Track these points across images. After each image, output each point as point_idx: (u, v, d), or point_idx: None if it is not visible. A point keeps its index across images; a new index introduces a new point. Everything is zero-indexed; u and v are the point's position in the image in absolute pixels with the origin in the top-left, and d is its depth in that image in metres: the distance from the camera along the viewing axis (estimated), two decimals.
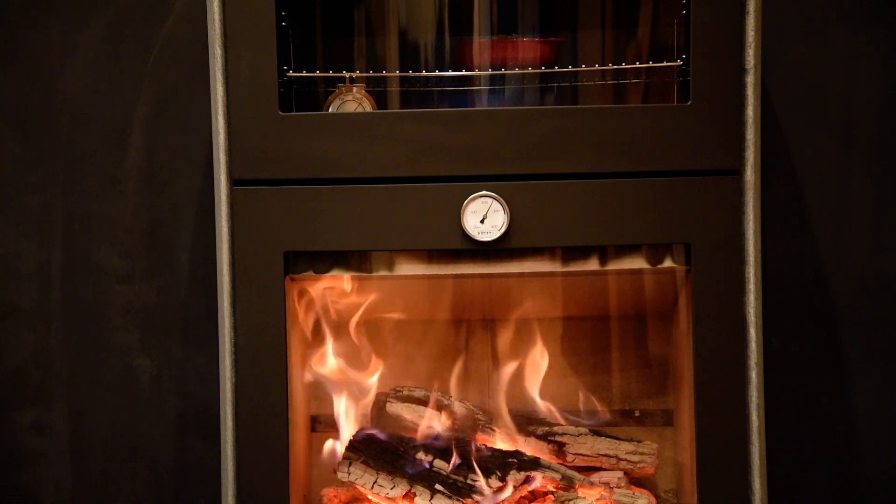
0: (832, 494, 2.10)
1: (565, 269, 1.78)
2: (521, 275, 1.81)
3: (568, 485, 1.89)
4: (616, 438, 1.97)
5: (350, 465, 1.89)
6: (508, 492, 1.86)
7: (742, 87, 1.71)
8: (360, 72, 1.92)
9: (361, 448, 1.91)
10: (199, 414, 2.13)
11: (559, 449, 1.96)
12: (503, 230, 1.73)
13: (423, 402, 1.95)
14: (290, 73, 1.82)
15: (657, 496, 2.01)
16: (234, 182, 1.75)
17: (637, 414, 2.05)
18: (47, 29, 2.10)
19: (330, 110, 1.83)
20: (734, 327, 1.74)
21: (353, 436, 1.93)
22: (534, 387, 2.01)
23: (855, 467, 2.09)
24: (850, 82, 2.05)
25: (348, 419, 1.98)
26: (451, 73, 1.90)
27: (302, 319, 1.93)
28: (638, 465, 1.95)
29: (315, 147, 1.74)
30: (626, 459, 1.95)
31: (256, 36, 1.73)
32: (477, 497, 1.85)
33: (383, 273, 1.79)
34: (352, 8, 1.98)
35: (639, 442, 1.97)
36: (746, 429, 1.74)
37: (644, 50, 1.95)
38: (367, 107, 1.84)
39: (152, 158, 2.11)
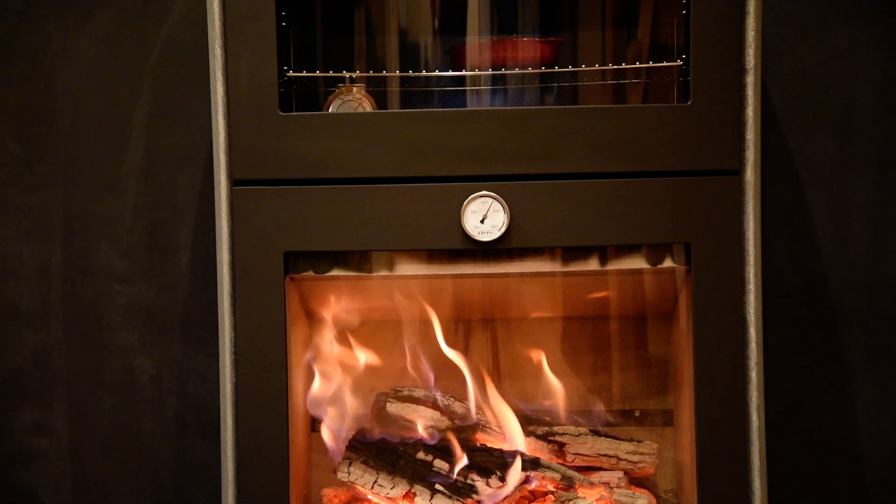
0: (832, 494, 2.10)
1: (565, 269, 1.78)
2: (521, 275, 1.81)
3: (568, 485, 1.89)
4: (616, 438, 1.97)
5: (350, 465, 1.89)
6: (508, 492, 1.86)
7: (742, 87, 1.71)
8: (360, 72, 1.92)
9: (361, 448, 1.91)
10: (199, 414, 2.13)
11: (559, 449, 1.96)
12: (503, 230, 1.73)
13: (424, 402, 1.95)
14: (290, 73, 1.82)
15: (657, 496, 2.01)
16: (234, 182, 1.75)
17: (637, 414, 2.05)
18: (47, 29, 2.10)
19: (330, 110, 1.83)
20: (734, 327, 1.74)
21: (353, 436, 1.93)
22: (533, 387, 2.01)
23: (855, 467, 2.09)
24: (850, 82, 2.05)
25: (348, 419, 1.97)
26: (451, 73, 1.90)
27: (302, 319, 1.93)
28: (638, 465, 1.95)
29: (315, 147, 1.74)
30: (626, 459, 1.95)
31: (256, 36, 1.73)
32: (477, 497, 1.85)
33: (383, 273, 1.79)
34: (352, 8, 1.98)
35: (639, 442, 1.97)
36: (746, 429, 1.74)
37: (644, 50, 1.95)
38: (367, 107, 1.84)
39: (152, 158, 2.11)
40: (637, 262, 1.78)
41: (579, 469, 1.93)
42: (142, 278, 2.12)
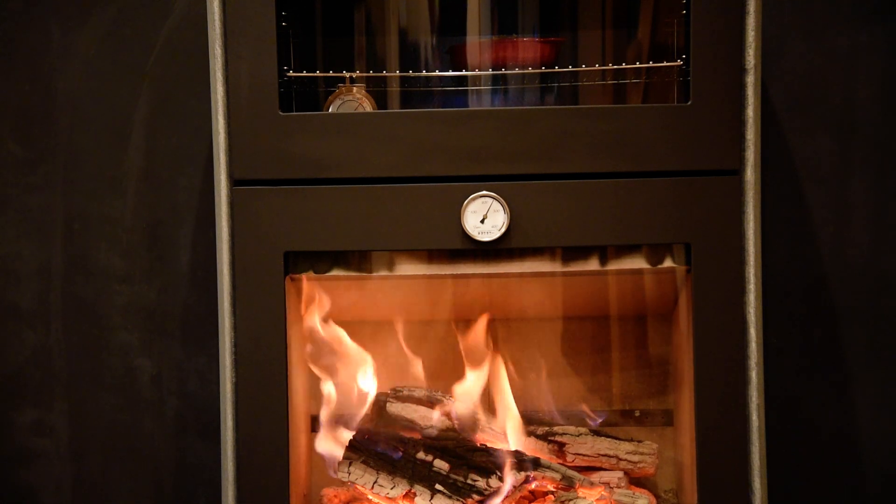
0: (832, 494, 2.10)
1: (565, 269, 1.78)
2: (521, 275, 1.81)
3: (568, 485, 1.89)
4: (616, 438, 1.97)
5: (350, 465, 1.89)
6: (508, 492, 1.86)
7: (742, 87, 1.71)
8: (360, 72, 1.92)
9: (361, 448, 1.91)
10: (199, 414, 2.13)
11: (559, 449, 1.96)
12: (503, 230, 1.73)
13: (423, 402, 1.95)
14: (290, 73, 1.82)
15: (657, 496, 2.01)
16: (234, 182, 1.75)
17: (637, 414, 2.05)
18: (47, 29, 2.10)
19: (330, 110, 1.83)
20: (734, 327, 1.74)
21: (353, 436, 1.93)
22: (533, 387, 2.01)
23: (855, 467, 2.09)
24: (850, 82, 2.05)
25: (348, 419, 1.97)
26: (451, 73, 1.90)
27: (302, 319, 1.93)
28: (638, 465, 1.95)
29: (315, 147, 1.74)
30: (626, 459, 1.95)
31: (256, 36, 1.73)
32: (477, 497, 1.85)
33: (383, 273, 1.79)
34: (352, 8, 1.98)
35: (639, 442, 1.97)
36: (746, 429, 1.74)
37: (644, 50, 1.95)
38: (367, 107, 1.84)
39: (152, 158, 2.11)
40: (637, 262, 1.78)
41: (579, 469, 1.93)
42: (142, 278, 2.12)
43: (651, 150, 1.73)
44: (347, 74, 1.86)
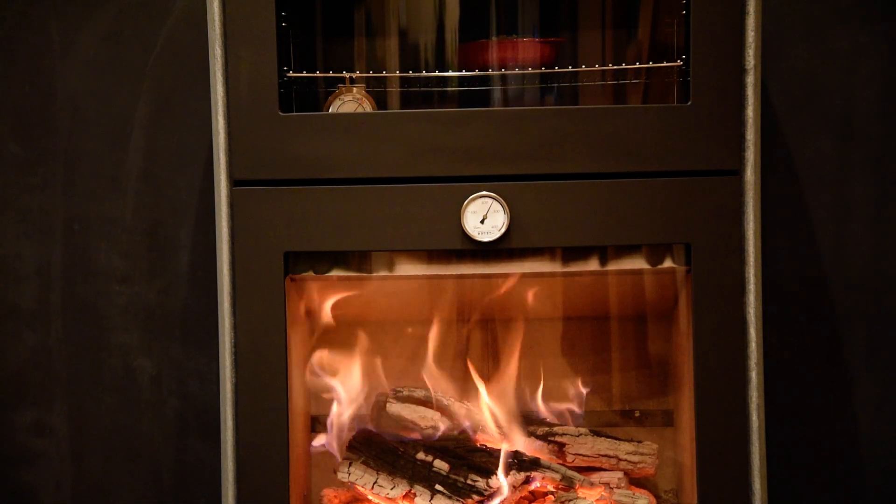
0: (832, 494, 2.10)
1: (565, 270, 1.78)
2: (522, 275, 1.81)
3: (568, 485, 1.89)
4: (616, 438, 1.97)
5: (350, 465, 1.89)
6: (508, 492, 1.86)
7: (742, 87, 1.71)
8: (360, 72, 1.92)
9: (361, 448, 1.91)
10: (199, 414, 2.13)
11: (559, 449, 1.96)
12: (503, 230, 1.73)
13: (423, 403, 1.95)
14: (290, 74, 1.82)
15: (657, 496, 2.01)
16: (234, 182, 1.75)
17: (637, 414, 2.05)
18: (47, 29, 2.10)
19: (330, 110, 1.83)
20: (734, 327, 1.74)
21: (353, 436, 1.93)
22: (533, 387, 2.01)
23: (855, 467, 2.09)
24: (850, 82, 2.05)
25: (348, 419, 1.98)
26: (451, 73, 1.90)
27: (302, 319, 1.93)
28: (638, 466, 1.95)
29: (315, 147, 1.74)
30: (626, 460, 1.95)
31: (256, 36, 1.73)
32: (477, 497, 1.85)
33: (383, 273, 1.79)
34: (352, 8, 1.98)
35: (639, 442, 1.97)
36: (746, 429, 1.74)
37: (644, 50, 1.95)
38: (367, 107, 1.84)
39: (152, 158, 2.11)
40: (637, 263, 1.78)
41: (579, 469, 1.93)
42: (142, 278, 2.12)
43: (651, 150, 1.73)
44: (347, 74, 1.86)
